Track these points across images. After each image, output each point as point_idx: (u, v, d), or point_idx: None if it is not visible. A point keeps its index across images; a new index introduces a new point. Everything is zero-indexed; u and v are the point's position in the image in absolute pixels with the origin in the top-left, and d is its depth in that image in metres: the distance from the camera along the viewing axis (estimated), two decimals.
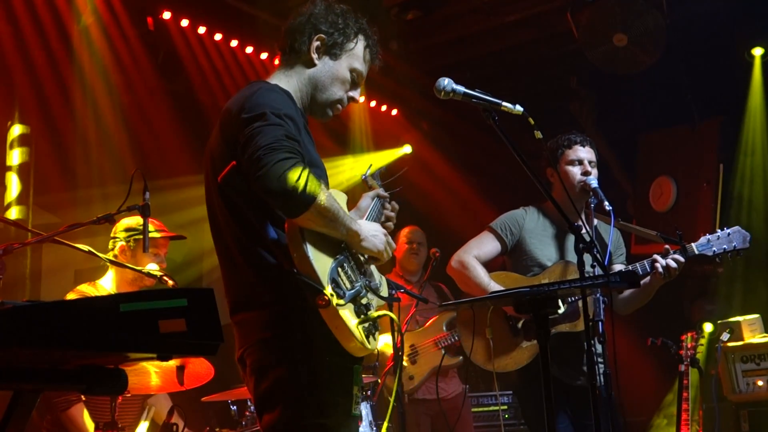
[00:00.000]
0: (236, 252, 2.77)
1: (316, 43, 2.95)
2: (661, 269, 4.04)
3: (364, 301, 2.73)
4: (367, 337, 2.67)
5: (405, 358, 6.14)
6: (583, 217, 4.25)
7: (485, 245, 4.45)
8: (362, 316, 2.67)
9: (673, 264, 4.05)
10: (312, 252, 2.58)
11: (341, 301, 2.59)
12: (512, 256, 4.49)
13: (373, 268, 2.96)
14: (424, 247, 6.60)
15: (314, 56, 2.96)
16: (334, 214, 2.64)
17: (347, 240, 2.74)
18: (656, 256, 4.08)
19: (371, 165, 3.34)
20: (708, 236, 4.23)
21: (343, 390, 2.71)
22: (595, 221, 4.31)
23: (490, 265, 4.50)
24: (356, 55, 3.00)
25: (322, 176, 2.82)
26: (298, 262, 2.58)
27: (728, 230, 4.25)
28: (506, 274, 4.44)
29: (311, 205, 2.54)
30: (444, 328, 6.11)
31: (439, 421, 6.18)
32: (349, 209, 2.94)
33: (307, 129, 2.90)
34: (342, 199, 2.95)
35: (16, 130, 5.94)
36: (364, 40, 3.03)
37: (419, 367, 6.13)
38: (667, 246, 4.12)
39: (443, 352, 5.97)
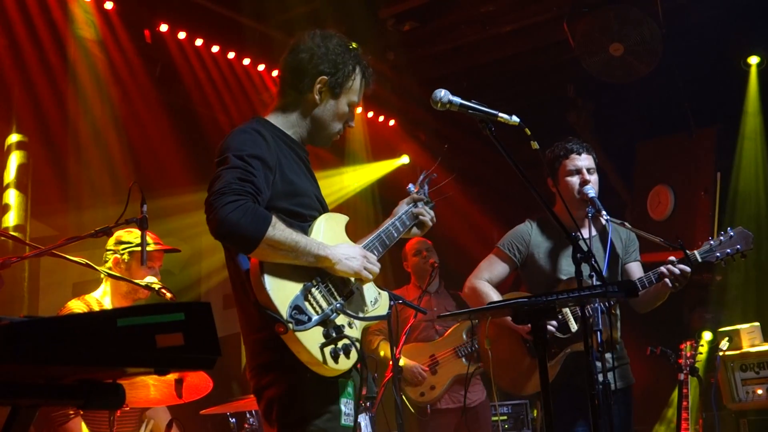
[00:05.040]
0: (236, 284, 2.91)
1: (318, 86, 3.03)
2: (669, 282, 4.02)
3: (339, 321, 2.81)
4: (336, 358, 2.73)
5: (425, 368, 6.14)
6: (589, 225, 4.24)
7: (495, 268, 4.48)
8: (330, 338, 2.74)
9: (677, 271, 4.02)
10: (270, 283, 2.69)
11: (301, 327, 2.68)
12: (524, 271, 4.48)
13: (369, 286, 3.03)
14: (433, 253, 6.58)
15: (317, 97, 3.04)
16: (290, 246, 2.72)
17: (320, 266, 2.82)
18: (662, 268, 4.05)
19: (424, 173, 3.46)
20: (710, 242, 4.18)
21: (328, 402, 2.79)
22: (605, 216, 4.19)
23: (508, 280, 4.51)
24: (354, 90, 3.10)
25: (306, 204, 2.94)
26: (257, 293, 2.71)
27: (731, 232, 4.18)
28: (520, 295, 4.43)
29: (260, 241, 2.65)
30: (464, 336, 6.09)
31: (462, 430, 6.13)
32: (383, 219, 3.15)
33: (301, 159, 3.04)
34: (339, 223, 3.07)
35: (14, 144, 5.93)
36: (360, 73, 3.11)
37: (440, 377, 6.11)
38: (672, 257, 4.07)
39: (464, 360, 5.95)
